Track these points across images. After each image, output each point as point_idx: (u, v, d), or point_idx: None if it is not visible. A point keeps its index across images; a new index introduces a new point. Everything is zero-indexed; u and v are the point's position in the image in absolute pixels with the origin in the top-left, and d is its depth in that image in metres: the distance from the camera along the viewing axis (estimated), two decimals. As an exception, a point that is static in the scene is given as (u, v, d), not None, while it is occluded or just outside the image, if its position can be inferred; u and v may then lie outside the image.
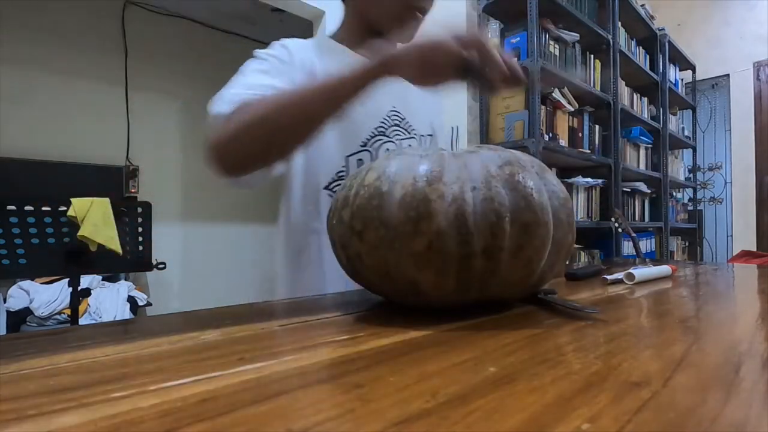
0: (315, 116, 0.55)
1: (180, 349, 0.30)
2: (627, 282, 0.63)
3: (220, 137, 0.57)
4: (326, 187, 0.70)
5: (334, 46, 0.74)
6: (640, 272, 0.64)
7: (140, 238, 1.48)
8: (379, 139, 0.72)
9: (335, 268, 0.47)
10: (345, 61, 0.69)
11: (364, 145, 0.71)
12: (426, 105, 0.81)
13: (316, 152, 0.69)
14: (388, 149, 0.72)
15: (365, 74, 0.53)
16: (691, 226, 3.54)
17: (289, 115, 0.55)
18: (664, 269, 0.71)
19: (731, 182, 3.69)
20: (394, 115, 0.74)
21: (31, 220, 1.27)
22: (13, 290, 2.28)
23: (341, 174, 0.70)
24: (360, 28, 0.75)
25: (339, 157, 0.70)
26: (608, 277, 0.64)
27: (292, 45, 0.69)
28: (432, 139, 0.80)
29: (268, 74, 0.64)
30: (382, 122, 0.72)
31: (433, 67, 0.51)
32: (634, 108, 2.82)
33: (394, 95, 0.72)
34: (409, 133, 0.75)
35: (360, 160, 0.71)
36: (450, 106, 2.08)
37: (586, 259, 2.30)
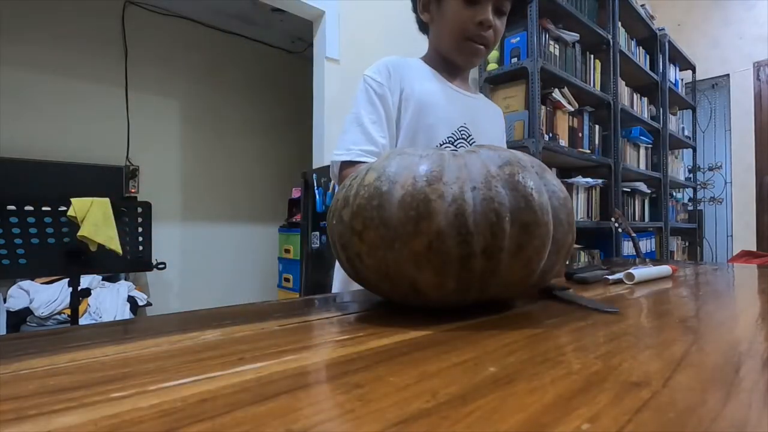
0: None
1: (180, 349, 0.30)
2: (627, 282, 0.63)
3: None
4: None
5: (427, 72, 0.85)
6: (640, 272, 0.64)
7: (140, 238, 1.48)
8: (447, 146, 0.80)
9: None
10: (434, 81, 0.83)
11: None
12: (491, 125, 0.92)
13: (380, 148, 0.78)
14: None
15: None
16: (691, 226, 3.54)
17: None
18: (664, 269, 0.71)
19: (731, 182, 3.69)
20: (463, 129, 0.83)
21: (31, 220, 1.27)
22: (13, 290, 2.28)
23: None
24: (438, 56, 0.86)
25: None
26: (610, 277, 0.64)
27: (392, 68, 0.81)
28: None
29: (379, 126, 0.77)
30: (453, 134, 0.82)
31: None
32: (634, 108, 2.82)
33: (466, 113, 0.84)
34: (471, 146, 0.86)
35: None
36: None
37: (586, 259, 2.30)
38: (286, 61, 3.79)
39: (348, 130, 0.77)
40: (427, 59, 0.88)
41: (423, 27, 0.87)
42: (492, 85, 2.13)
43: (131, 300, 2.54)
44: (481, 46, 0.79)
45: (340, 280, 0.82)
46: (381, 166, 0.40)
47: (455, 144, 0.82)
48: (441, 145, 0.81)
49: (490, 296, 0.40)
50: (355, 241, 0.39)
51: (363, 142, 0.75)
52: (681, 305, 0.49)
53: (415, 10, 0.87)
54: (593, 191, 2.38)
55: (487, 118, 0.92)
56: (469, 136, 0.85)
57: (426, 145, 0.79)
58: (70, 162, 2.73)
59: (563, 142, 2.13)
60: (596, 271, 0.68)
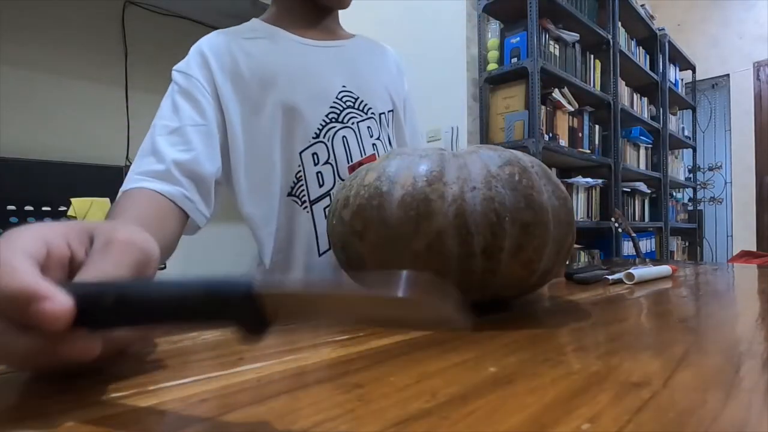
0: None
1: (180, 349, 0.30)
2: (627, 282, 0.63)
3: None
4: (290, 194, 0.64)
5: (270, 30, 0.67)
6: (640, 272, 0.64)
7: (140, 238, 1.48)
8: (333, 127, 0.64)
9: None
10: (283, 43, 0.65)
11: (317, 137, 0.63)
12: (381, 76, 0.72)
13: (265, 159, 0.62)
14: (344, 137, 0.64)
15: None
16: (691, 226, 3.54)
17: None
18: (664, 269, 0.71)
19: (731, 182, 3.69)
20: (346, 96, 0.65)
21: (31, 220, 1.27)
22: (13, 290, 2.28)
23: (299, 174, 0.63)
24: (294, 2, 0.68)
25: (292, 157, 0.63)
26: (610, 277, 0.64)
27: (207, 48, 0.62)
28: (393, 114, 0.72)
29: (178, 136, 0.56)
30: (333, 107, 0.64)
31: None
32: (634, 108, 2.82)
33: (343, 72, 0.66)
34: (365, 113, 0.67)
35: (315, 154, 0.63)
36: (450, 106, 2.08)
37: (586, 259, 2.30)
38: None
39: (139, 155, 0.57)
40: (271, 18, 0.69)
41: None
42: (492, 85, 2.13)
43: (131, 300, 2.54)
44: None
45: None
46: (381, 166, 0.40)
47: (342, 119, 0.64)
48: (322, 129, 0.63)
49: (490, 296, 0.40)
50: (355, 241, 0.39)
51: (146, 163, 0.54)
52: (681, 305, 0.49)
53: None
54: (593, 191, 2.38)
55: (374, 67, 0.72)
56: (357, 99, 0.66)
57: (303, 135, 0.62)
58: (70, 162, 2.73)
59: (563, 142, 2.13)
60: (596, 271, 0.68)
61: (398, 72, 0.78)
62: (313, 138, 0.63)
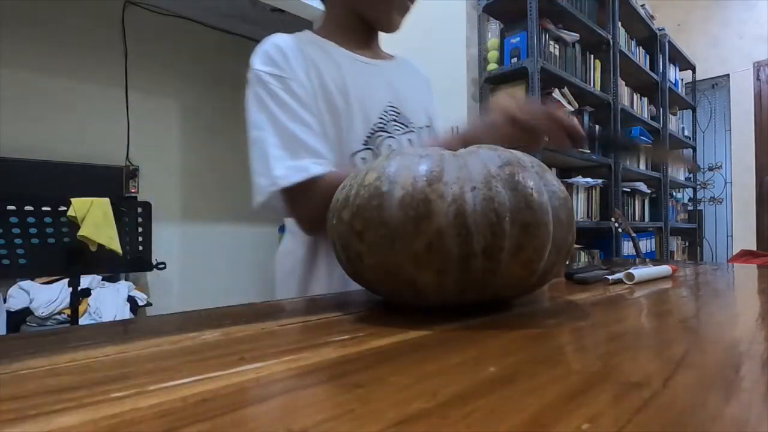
0: None
1: (180, 349, 0.30)
2: (627, 282, 0.63)
3: (311, 215, 0.60)
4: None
5: (326, 44, 0.70)
6: (640, 272, 0.64)
7: (140, 238, 1.48)
8: (380, 135, 0.69)
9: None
10: (339, 57, 0.69)
11: (366, 143, 0.68)
12: (419, 95, 0.79)
13: (324, 155, 0.66)
14: (390, 146, 0.70)
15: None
16: (691, 226, 3.54)
17: None
18: (664, 269, 0.71)
19: (731, 182, 3.69)
20: (391, 109, 0.72)
21: (31, 220, 1.27)
22: (13, 290, 2.28)
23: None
24: (348, 21, 0.72)
25: (345, 158, 0.67)
26: (610, 277, 0.64)
27: (285, 46, 0.65)
28: (430, 130, 0.78)
29: (307, 127, 0.61)
30: (381, 118, 0.70)
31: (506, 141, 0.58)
32: (634, 108, 2.82)
33: (388, 89, 0.72)
34: (407, 126, 0.73)
35: (363, 158, 0.68)
36: (450, 106, 2.08)
37: (586, 259, 2.30)
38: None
39: (267, 153, 0.60)
40: (324, 32, 0.72)
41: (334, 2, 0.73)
42: (492, 85, 2.13)
43: (131, 300, 2.54)
44: (410, 4, 0.70)
45: (283, 272, 0.72)
46: (381, 166, 0.40)
47: (388, 129, 0.70)
48: (371, 136, 0.68)
49: (490, 296, 0.40)
50: (355, 241, 0.39)
51: (302, 155, 0.59)
52: (681, 305, 0.49)
53: None
54: (593, 191, 2.38)
55: (414, 88, 0.78)
56: (400, 113, 0.72)
57: (355, 140, 0.67)
58: (70, 162, 2.73)
59: (563, 142, 2.13)
60: (596, 271, 0.68)
61: (428, 91, 0.85)
62: (363, 144, 0.68)
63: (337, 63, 0.68)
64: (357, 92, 0.67)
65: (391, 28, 0.71)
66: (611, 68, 2.42)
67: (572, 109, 2.20)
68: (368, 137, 0.68)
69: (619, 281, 0.63)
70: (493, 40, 2.10)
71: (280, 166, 0.59)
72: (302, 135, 0.60)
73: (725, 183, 3.74)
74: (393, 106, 0.72)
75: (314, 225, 0.63)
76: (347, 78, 0.67)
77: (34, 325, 2.22)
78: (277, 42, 0.65)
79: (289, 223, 0.72)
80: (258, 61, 0.63)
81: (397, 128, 0.72)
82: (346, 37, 0.72)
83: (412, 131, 0.74)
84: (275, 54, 0.63)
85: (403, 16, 0.71)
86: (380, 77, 0.73)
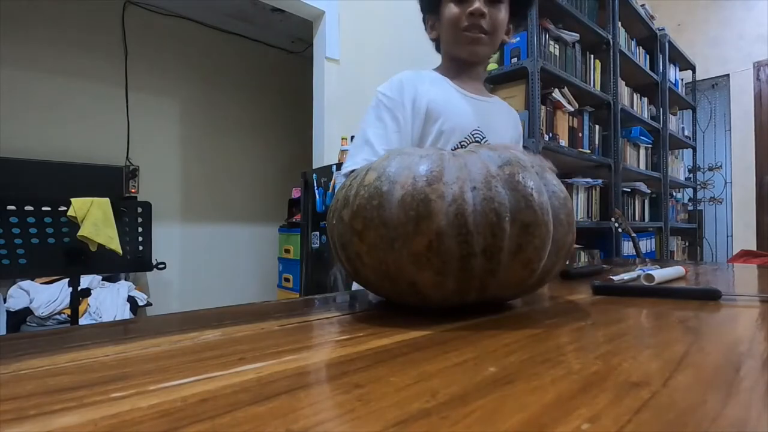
0: None
1: (180, 349, 0.30)
2: (645, 283, 0.62)
3: None
4: None
5: (439, 79, 0.89)
6: (659, 273, 0.63)
7: (140, 238, 1.48)
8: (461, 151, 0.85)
9: None
10: (446, 88, 0.87)
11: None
12: (504, 128, 0.94)
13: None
14: None
15: None
16: (691, 226, 3.54)
17: None
18: (678, 270, 0.70)
19: (731, 182, 3.69)
20: (477, 133, 0.86)
21: (31, 220, 1.27)
22: (13, 290, 2.28)
23: None
24: (449, 62, 0.90)
25: None
26: (614, 277, 0.64)
27: (405, 81, 0.84)
28: None
29: (384, 139, 0.80)
30: (466, 138, 0.85)
31: None
32: (634, 108, 2.82)
33: (479, 116, 0.88)
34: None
35: None
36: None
37: (586, 259, 2.30)
38: (286, 61, 3.79)
39: (354, 148, 0.82)
40: (440, 70, 0.92)
41: (437, 45, 0.92)
42: (492, 85, 2.13)
43: (131, 300, 2.54)
44: (479, 35, 0.82)
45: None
46: (381, 166, 0.40)
47: (468, 148, 0.86)
48: (457, 149, 0.83)
49: (490, 296, 0.40)
50: (355, 241, 0.39)
51: (367, 155, 0.79)
52: (681, 305, 0.49)
53: (427, 32, 0.93)
54: (593, 191, 2.38)
55: (501, 121, 0.95)
56: (483, 138, 0.88)
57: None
58: (70, 162, 2.73)
59: (563, 142, 2.13)
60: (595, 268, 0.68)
61: (515, 125, 1.00)
62: None
63: (445, 93, 0.87)
64: (452, 115, 0.84)
65: (472, 57, 0.87)
66: (611, 68, 2.42)
67: (572, 109, 2.20)
68: (454, 149, 0.80)
69: (633, 280, 0.63)
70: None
71: (349, 159, 0.81)
72: (374, 140, 0.80)
73: (725, 183, 3.74)
74: (479, 131, 0.87)
75: None
76: (448, 105, 0.85)
77: (34, 325, 2.22)
78: (401, 76, 0.85)
79: None
80: (383, 87, 0.85)
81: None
82: (452, 73, 0.90)
83: None
84: (395, 84, 0.84)
85: (477, 45, 0.83)
86: (475, 107, 0.89)
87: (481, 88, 0.95)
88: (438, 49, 0.94)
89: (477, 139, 0.87)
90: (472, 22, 0.81)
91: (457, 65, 0.90)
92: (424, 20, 0.93)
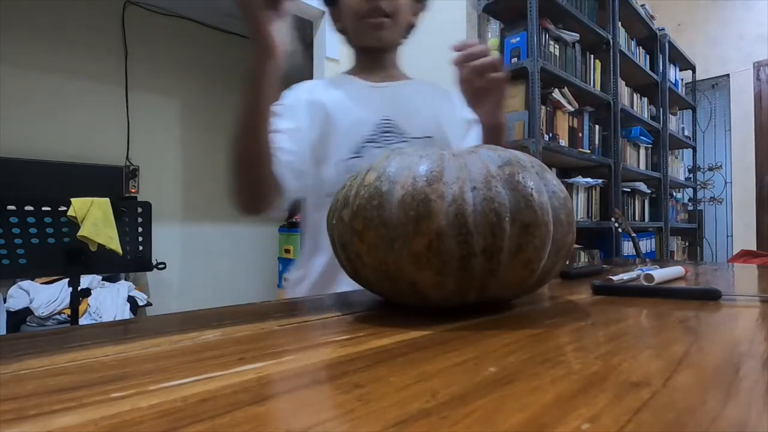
0: (249, 122, 0.63)
1: (180, 349, 0.30)
2: (645, 283, 0.62)
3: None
4: (330, 194, 0.76)
5: (342, 79, 0.86)
6: (659, 273, 0.63)
7: (140, 238, 1.48)
8: (368, 145, 0.78)
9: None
10: (347, 86, 0.83)
11: (357, 152, 0.78)
12: (427, 109, 0.85)
13: (320, 162, 0.78)
14: (376, 154, 0.77)
15: (253, 63, 0.62)
16: (691, 226, 3.54)
17: (238, 138, 0.64)
18: (678, 270, 0.70)
19: (731, 182, 3.69)
20: (386, 123, 0.80)
21: (31, 220, 1.27)
22: (13, 290, 2.28)
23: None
24: (358, 54, 0.87)
25: (336, 165, 0.78)
26: (614, 277, 0.64)
27: (301, 87, 0.82)
28: (432, 139, 0.82)
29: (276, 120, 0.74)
30: (373, 131, 0.79)
31: None
32: (634, 108, 2.82)
33: (387, 105, 0.82)
34: (401, 136, 0.80)
35: (353, 166, 0.77)
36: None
37: (586, 259, 2.30)
38: (285, 60, 3.78)
39: None
40: (350, 68, 0.88)
41: (347, 39, 0.87)
42: (492, 85, 2.13)
43: (131, 300, 2.54)
44: (381, 18, 0.78)
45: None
46: (381, 166, 0.40)
47: (378, 140, 0.80)
48: (361, 148, 0.79)
49: (490, 296, 0.40)
50: (355, 241, 0.39)
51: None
52: (681, 305, 0.49)
53: (332, 26, 0.89)
54: (593, 191, 2.38)
55: (421, 101, 0.86)
56: (396, 126, 0.81)
57: (346, 150, 0.78)
58: (70, 162, 2.73)
59: (563, 142, 2.13)
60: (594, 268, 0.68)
61: (447, 102, 0.90)
62: (354, 153, 0.78)
63: (345, 90, 0.82)
64: (352, 111, 0.79)
65: (377, 43, 0.82)
66: (611, 68, 2.42)
67: (572, 109, 2.20)
68: (359, 147, 0.78)
69: (633, 280, 0.63)
70: (493, 40, 2.10)
71: None
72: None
73: (725, 183, 3.74)
74: (388, 120, 0.80)
75: (234, 203, 0.69)
76: (348, 101, 0.80)
77: (34, 325, 2.22)
78: (297, 86, 0.83)
79: (301, 225, 0.85)
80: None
81: (390, 138, 0.80)
82: (361, 65, 0.86)
83: (405, 141, 0.80)
84: (291, 89, 0.81)
85: (380, 30, 0.79)
86: (382, 97, 0.83)
87: (394, 75, 0.88)
88: (349, 42, 0.88)
89: (387, 129, 0.80)
90: (372, 5, 0.77)
91: (366, 56, 0.86)
92: (330, 14, 0.88)
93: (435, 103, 0.88)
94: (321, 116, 0.79)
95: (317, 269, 0.77)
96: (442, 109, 0.87)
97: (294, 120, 0.76)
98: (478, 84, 0.67)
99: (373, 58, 0.85)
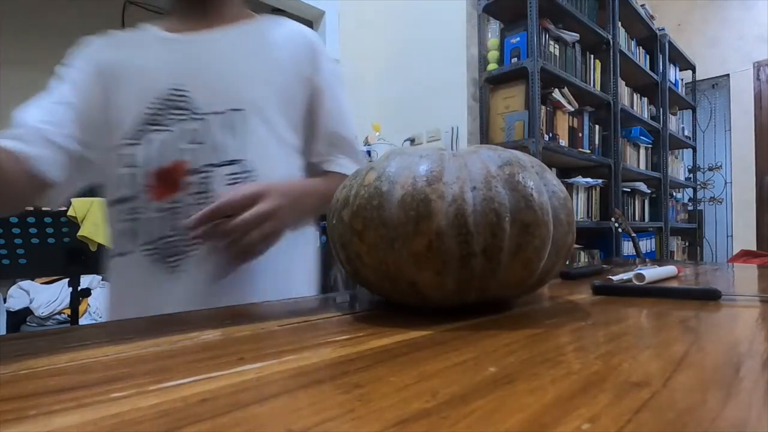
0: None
1: (180, 349, 0.30)
2: (636, 283, 0.62)
3: None
4: (112, 204, 0.60)
5: (140, 31, 0.66)
6: (650, 273, 0.63)
7: (140, 238, 1.48)
8: (147, 128, 0.59)
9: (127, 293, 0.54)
10: (139, 42, 0.64)
11: (136, 137, 0.58)
12: (237, 70, 0.62)
13: (90, 148, 0.60)
14: (162, 141, 0.58)
15: None
16: (691, 226, 3.54)
17: None
18: (670, 270, 0.70)
19: (731, 182, 3.69)
20: (174, 93, 0.59)
21: (31, 220, 1.27)
22: (13, 290, 2.28)
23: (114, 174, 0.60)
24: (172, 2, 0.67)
25: (107, 153, 0.60)
26: (613, 277, 0.64)
27: (79, 53, 0.65)
28: (241, 113, 0.60)
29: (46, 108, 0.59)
30: (156, 107, 0.58)
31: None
32: (634, 108, 2.82)
33: (180, 70, 0.60)
34: (194, 113, 0.59)
35: (130, 155, 0.58)
36: (450, 106, 2.08)
37: (586, 259, 2.30)
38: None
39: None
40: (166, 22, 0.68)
41: None
42: (492, 85, 2.13)
43: (131, 300, 2.54)
44: None
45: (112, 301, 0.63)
46: (381, 166, 0.40)
47: (162, 120, 0.58)
48: (141, 132, 0.59)
49: (490, 296, 0.40)
50: (355, 241, 0.39)
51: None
52: (681, 305, 0.49)
53: None
54: (593, 191, 2.38)
55: (231, 58, 0.62)
56: (187, 99, 0.59)
57: (120, 135, 0.59)
58: (70, 162, 2.72)
59: (563, 142, 2.13)
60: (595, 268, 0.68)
61: (307, 59, 0.67)
62: (133, 138, 0.59)
63: (135, 46, 0.63)
64: (133, 78, 0.60)
65: None
66: (611, 68, 2.42)
67: (572, 109, 2.20)
68: (138, 131, 0.59)
69: (627, 281, 0.63)
70: (493, 40, 2.10)
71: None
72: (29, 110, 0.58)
73: (725, 183, 3.74)
74: (178, 89, 0.59)
75: None
76: (131, 64, 0.61)
77: (34, 325, 2.22)
78: (96, 39, 0.65)
79: None
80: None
81: (176, 116, 0.59)
82: (176, 17, 0.66)
83: (200, 119, 0.59)
84: (86, 45, 0.65)
85: None
86: (172, 54, 0.61)
87: (221, 17, 0.65)
88: None
89: (175, 102, 0.58)
90: None
91: (178, 4, 0.66)
92: None
93: (259, 57, 0.64)
94: (101, 87, 0.60)
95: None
96: (269, 66, 0.64)
97: (75, 92, 0.60)
98: (237, 249, 0.51)
99: (193, 2, 0.64)
